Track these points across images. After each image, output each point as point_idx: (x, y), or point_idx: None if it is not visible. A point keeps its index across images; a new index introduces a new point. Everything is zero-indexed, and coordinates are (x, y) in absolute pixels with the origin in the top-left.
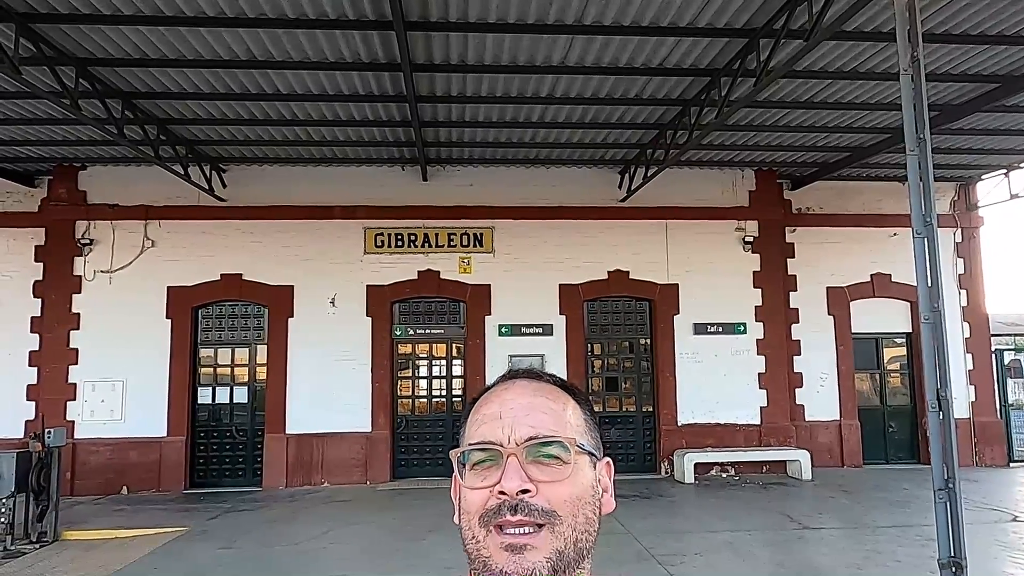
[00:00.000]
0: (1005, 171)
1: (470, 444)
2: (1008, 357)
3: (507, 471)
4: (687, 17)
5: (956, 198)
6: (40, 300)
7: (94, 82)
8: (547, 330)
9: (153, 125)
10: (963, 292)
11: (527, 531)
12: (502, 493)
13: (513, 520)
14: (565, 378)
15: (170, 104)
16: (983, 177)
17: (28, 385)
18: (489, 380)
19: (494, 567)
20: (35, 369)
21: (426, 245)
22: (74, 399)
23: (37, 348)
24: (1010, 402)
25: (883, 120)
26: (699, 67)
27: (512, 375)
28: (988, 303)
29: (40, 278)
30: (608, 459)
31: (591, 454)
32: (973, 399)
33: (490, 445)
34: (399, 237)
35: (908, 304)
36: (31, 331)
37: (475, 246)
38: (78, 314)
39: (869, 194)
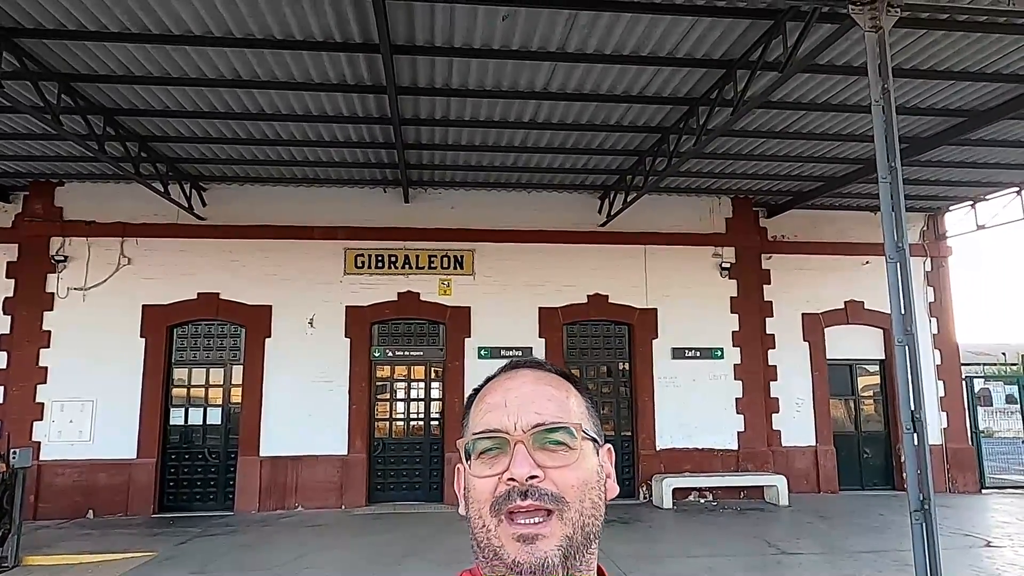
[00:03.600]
0: (972, 203)
1: (476, 433)
2: (978, 385)
3: (516, 458)
4: (667, 47)
5: (925, 228)
6: (10, 317)
7: (76, 98)
8: (526, 353)
9: (134, 142)
10: (933, 320)
11: (537, 520)
12: (511, 480)
13: (524, 505)
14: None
15: (152, 121)
16: (951, 208)
17: None
18: None
19: (506, 557)
20: (1, 388)
21: (406, 267)
22: (41, 419)
23: (4, 366)
24: (981, 429)
25: (855, 151)
26: (678, 96)
27: (515, 365)
28: (958, 332)
29: (11, 294)
30: (609, 446)
31: (594, 440)
32: (945, 426)
33: (497, 433)
34: (379, 258)
35: (881, 331)
36: None
37: (455, 268)
38: (49, 332)
39: (841, 223)
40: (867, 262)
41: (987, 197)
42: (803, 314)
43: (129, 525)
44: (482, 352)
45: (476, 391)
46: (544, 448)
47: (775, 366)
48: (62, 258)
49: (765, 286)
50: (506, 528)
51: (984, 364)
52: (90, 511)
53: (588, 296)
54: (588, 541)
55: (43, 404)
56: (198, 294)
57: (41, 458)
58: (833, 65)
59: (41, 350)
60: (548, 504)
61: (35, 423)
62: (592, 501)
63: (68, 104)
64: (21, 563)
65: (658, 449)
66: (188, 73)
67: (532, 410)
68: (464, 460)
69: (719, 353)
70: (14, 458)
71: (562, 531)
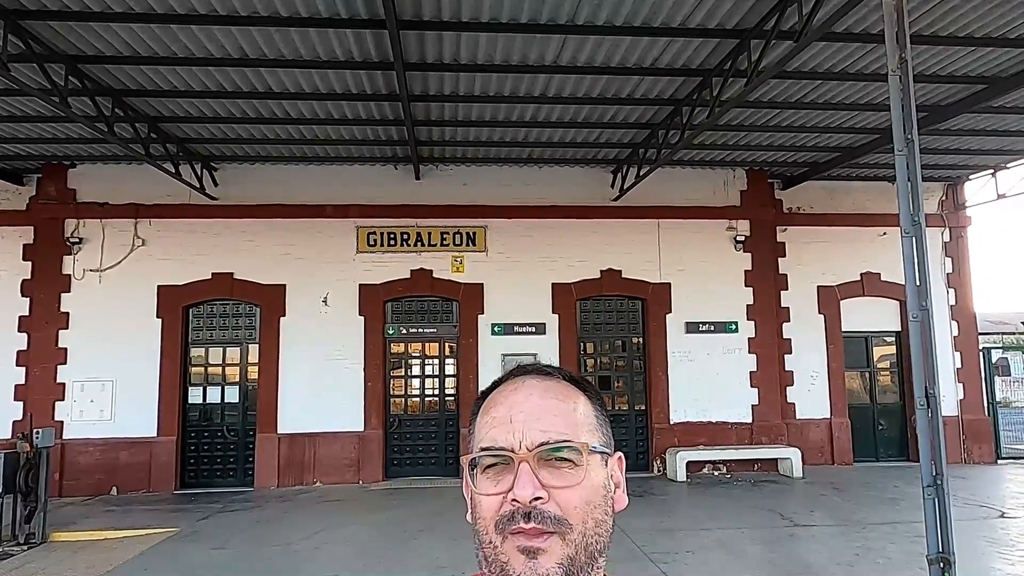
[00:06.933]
0: (992, 171)
1: (481, 449)
2: (996, 355)
3: (520, 478)
4: (679, 18)
5: (944, 198)
6: (28, 299)
7: (84, 80)
8: (540, 329)
9: (144, 123)
10: (951, 291)
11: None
12: (515, 501)
13: (527, 528)
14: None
15: (161, 102)
16: (971, 177)
17: (16, 385)
18: (482, 380)
19: (511, 573)
20: (23, 369)
21: (419, 244)
22: (63, 399)
23: (25, 348)
24: (998, 400)
25: (872, 121)
26: (691, 67)
27: (522, 372)
28: (976, 302)
29: (28, 277)
30: (620, 454)
31: (602, 452)
32: (961, 397)
33: (501, 451)
34: (392, 236)
35: (897, 303)
36: (19, 331)
37: (468, 245)
38: (67, 313)
39: (859, 194)
40: (884, 233)
41: (1008, 165)
42: (818, 287)
43: (151, 502)
44: (495, 329)
45: (484, 396)
46: (549, 464)
47: (790, 339)
48: (77, 240)
49: (780, 259)
50: (511, 542)
51: (1003, 334)
52: (113, 488)
53: (601, 271)
54: (592, 559)
55: (64, 384)
56: (212, 274)
57: (64, 437)
58: (850, 33)
59: (60, 331)
60: (551, 527)
61: (57, 403)
62: (596, 520)
63: (76, 86)
64: (47, 539)
65: (672, 423)
66: (194, 53)
67: (538, 427)
68: (469, 472)
69: (733, 327)
70: (37, 438)
71: (563, 551)
